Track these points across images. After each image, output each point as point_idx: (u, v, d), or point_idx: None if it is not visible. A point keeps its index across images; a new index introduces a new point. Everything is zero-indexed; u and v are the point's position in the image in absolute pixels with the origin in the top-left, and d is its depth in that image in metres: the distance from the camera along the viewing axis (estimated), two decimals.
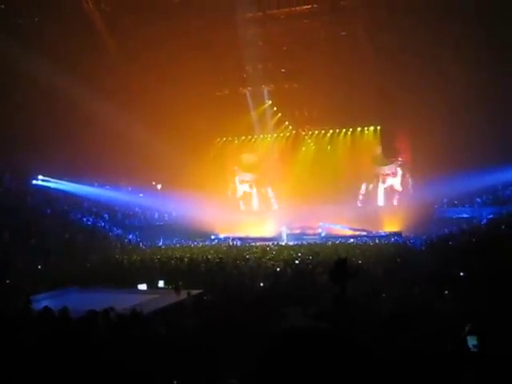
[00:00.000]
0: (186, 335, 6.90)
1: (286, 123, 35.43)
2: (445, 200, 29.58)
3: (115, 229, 29.13)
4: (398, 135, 32.15)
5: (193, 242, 28.92)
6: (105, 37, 28.04)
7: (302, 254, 20.64)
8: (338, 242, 26.90)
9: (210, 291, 12.22)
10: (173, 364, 5.42)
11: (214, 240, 31.50)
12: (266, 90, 33.65)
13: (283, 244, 26.88)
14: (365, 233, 30.33)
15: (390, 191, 33.86)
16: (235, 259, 19.24)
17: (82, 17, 26.38)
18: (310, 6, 27.74)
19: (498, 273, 10.95)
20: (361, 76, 28.37)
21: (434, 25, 24.17)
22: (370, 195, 34.15)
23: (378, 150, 33.66)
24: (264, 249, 23.52)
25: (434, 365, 3.84)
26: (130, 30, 27.94)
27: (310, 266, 16.64)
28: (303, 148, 35.56)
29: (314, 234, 31.49)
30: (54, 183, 29.11)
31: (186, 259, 19.53)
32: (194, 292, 11.95)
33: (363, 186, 34.28)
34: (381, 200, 33.97)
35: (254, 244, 27.01)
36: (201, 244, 28.58)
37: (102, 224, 29.04)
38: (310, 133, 35.47)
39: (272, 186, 36.51)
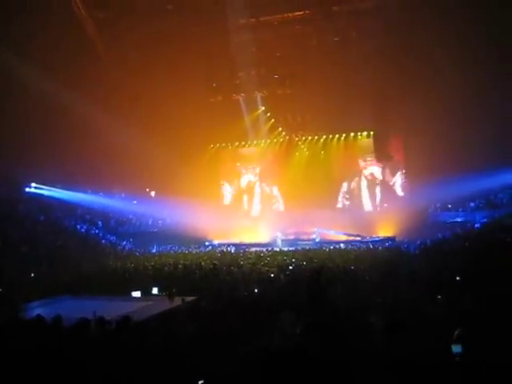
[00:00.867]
0: (180, 342, 6.87)
1: (280, 129, 35.46)
2: (438, 204, 29.67)
3: (109, 236, 29.03)
4: (391, 140, 32.25)
5: (187, 249, 28.81)
6: (96, 43, 28.06)
7: (296, 259, 20.61)
8: (332, 247, 26.89)
9: (204, 298, 12.16)
10: (166, 371, 5.39)
11: (208, 246, 31.42)
12: (259, 96, 33.71)
13: (277, 250, 26.85)
14: (359, 238, 30.36)
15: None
16: (229, 265, 19.19)
17: (73, 23, 26.38)
18: (302, 12, 27.92)
19: (491, 277, 10.97)
20: (354, 81, 28.46)
21: (427, 28, 24.30)
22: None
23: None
24: (258, 255, 23.49)
25: (420, 372, 3.83)
26: (122, 37, 27.92)
27: (304, 272, 16.62)
28: (297, 153, 35.58)
29: (309, 240, 31.46)
30: (46, 190, 29.01)
31: (180, 266, 19.45)
32: (188, 299, 11.90)
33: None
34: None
35: (248, 250, 26.96)
36: (195, 250, 28.48)
37: (96, 231, 28.94)
38: (304, 138, 35.49)
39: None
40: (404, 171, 32.75)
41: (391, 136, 31.79)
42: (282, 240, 31.03)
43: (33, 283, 16.78)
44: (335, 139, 34.61)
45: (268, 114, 34.61)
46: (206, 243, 32.20)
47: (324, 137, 34.89)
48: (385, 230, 30.57)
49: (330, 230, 32.03)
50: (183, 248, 29.06)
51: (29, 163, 25.62)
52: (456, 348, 4.57)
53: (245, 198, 37.17)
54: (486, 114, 24.83)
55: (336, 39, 28.91)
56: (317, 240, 31.21)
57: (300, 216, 32.20)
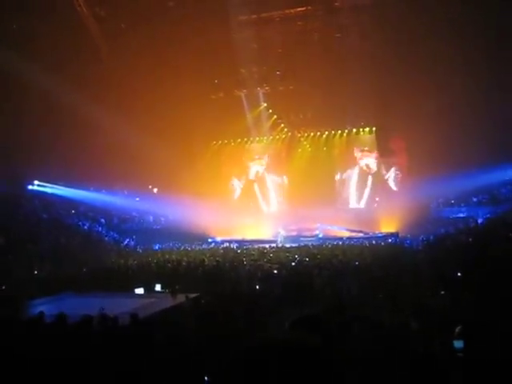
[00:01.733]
0: (183, 339, 6.87)
1: (282, 125, 35.44)
2: (441, 200, 29.63)
3: (111, 233, 29.09)
4: (393, 136, 32.16)
5: (190, 246, 28.85)
6: (99, 41, 28.03)
7: (299, 255, 20.60)
8: (335, 243, 26.86)
9: (208, 294, 12.18)
10: (170, 368, 5.40)
11: (210, 243, 31.42)
12: (261, 92, 33.69)
13: (280, 246, 26.85)
14: (362, 234, 30.34)
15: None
16: (232, 262, 19.20)
17: (75, 21, 26.35)
18: (304, 8, 27.80)
19: (494, 273, 10.96)
20: (356, 77, 28.33)
21: (430, 24, 24.18)
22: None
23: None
24: (261, 251, 23.48)
25: (421, 366, 3.82)
26: (124, 34, 27.96)
27: (307, 268, 16.63)
28: (299, 150, 35.57)
29: (311, 236, 31.43)
30: (50, 188, 29.08)
31: (183, 263, 19.47)
32: (192, 295, 11.92)
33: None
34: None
35: (250, 247, 26.96)
36: (198, 247, 28.51)
37: (99, 228, 29.00)
38: (306, 134, 35.50)
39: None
40: (397, 166, 32.89)
41: (393, 132, 31.67)
42: (285, 236, 31.02)
43: (36, 280, 16.82)
44: (337, 135, 34.60)
45: (270, 111, 34.59)
46: (209, 240, 32.21)
47: (326, 133, 34.88)
48: (388, 225, 30.53)
49: (333, 225, 32.02)
50: (186, 245, 29.08)
51: (32, 161, 25.69)
52: (458, 343, 4.56)
53: (256, 188, 37.18)
54: (489, 109, 24.78)
55: (338, 35, 28.82)
56: (320, 236, 31.18)
57: (302, 212, 32.18)
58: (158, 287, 14.76)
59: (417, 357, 3.94)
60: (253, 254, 22.13)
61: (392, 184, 33.38)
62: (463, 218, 26.78)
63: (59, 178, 28.95)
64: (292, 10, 27.97)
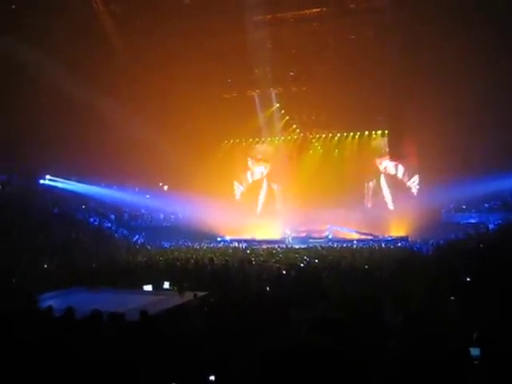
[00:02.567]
0: (191, 337, 6.87)
1: (294, 126, 35.44)
2: (452, 205, 29.46)
3: (121, 229, 29.18)
4: (405, 139, 31.99)
5: (199, 244, 28.89)
6: (113, 37, 28.10)
7: (308, 256, 20.55)
8: (344, 245, 26.79)
9: (216, 293, 12.16)
10: (177, 366, 5.40)
11: (220, 242, 31.48)
12: (274, 92, 33.69)
13: (289, 247, 26.83)
14: (371, 237, 30.25)
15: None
16: (241, 261, 19.19)
17: (90, 17, 26.43)
18: (319, 9, 27.68)
19: (506, 279, 10.86)
20: (369, 80, 28.30)
21: (445, 27, 23.99)
22: (376, 192, 34.24)
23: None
24: (270, 252, 23.46)
25: (437, 374, 3.79)
26: (138, 31, 28.01)
27: (317, 269, 16.58)
28: (310, 151, 35.53)
29: (321, 238, 31.38)
30: (61, 183, 29.24)
31: (191, 261, 19.48)
32: (200, 294, 11.91)
33: (366, 185, 34.52)
34: (386, 192, 33.97)
35: (259, 247, 26.95)
36: (207, 246, 28.55)
37: (109, 224, 29.12)
38: (318, 136, 35.48)
39: (281, 185, 36.36)
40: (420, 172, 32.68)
41: (406, 135, 31.51)
42: (292, 237, 30.98)
43: (46, 275, 16.89)
44: (349, 137, 34.51)
45: (282, 111, 34.60)
46: (218, 239, 32.25)
47: (338, 135, 34.82)
48: (398, 229, 30.43)
49: (343, 227, 31.95)
50: (195, 243, 29.12)
51: (44, 156, 25.81)
52: (474, 351, 4.50)
53: (264, 188, 37.19)
54: (501, 115, 24.56)
55: (352, 37, 28.67)
56: (330, 237, 31.10)
57: (312, 214, 32.16)
58: (166, 285, 14.75)
59: (432, 363, 3.90)
60: (261, 255, 22.11)
61: (414, 190, 33.23)
62: (474, 223, 26.60)
63: (71, 173, 29.10)
64: (307, 11, 27.86)
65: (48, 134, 25.57)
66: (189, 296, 11.75)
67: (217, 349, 5.80)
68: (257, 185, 37.44)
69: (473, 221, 27.38)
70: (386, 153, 33.99)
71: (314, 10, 27.81)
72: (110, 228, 28.90)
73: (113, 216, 30.43)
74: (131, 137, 27.08)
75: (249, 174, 37.68)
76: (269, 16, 27.89)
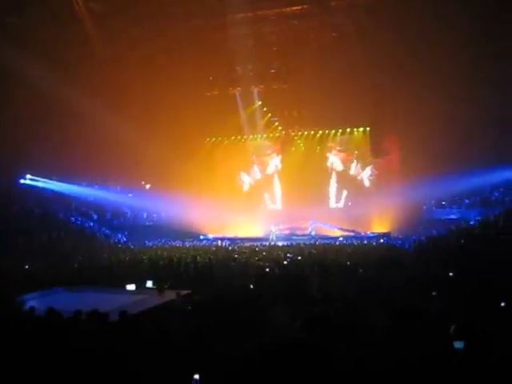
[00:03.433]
0: (174, 336, 6.85)
1: (276, 124, 35.40)
2: (433, 201, 29.73)
3: (104, 229, 28.99)
4: (387, 136, 32.17)
5: (182, 243, 28.83)
6: (93, 35, 27.85)
7: (291, 253, 20.62)
8: (327, 242, 26.89)
9: (199, 291, 12.15)
10: (160, 365, 5.38)
11: (202, 240, 31.42)
12: (255, 90, 33.62)
13: (272, 244, 26.88)
14: (354, 233, 30.39)
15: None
16: (224, 259, 19.20)
17: (69, 15, 26.18)
18: (300, 7, 27.73)
19: (485, 274, 11.01)
20: (351, 77, 28.41)
21: (426, 25, 24.17)
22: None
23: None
24: (253, 249, 23.50)
25: (421, 368, 3.82)
26: (119, 29, 27.78)
27: (300, 267, 16.64)
28: (293, 148, 35.55)
29: (304, 235, 31.46)
30: (42, 182, 28.95)
31: (174, 259, 19.43)
32: (183, 292, 11.89)
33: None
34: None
35: (242, 244, 26.97)
36: (190, 244, 28.49)
37: (91, 224, 28.90)
38: (300, 133, 35.49)
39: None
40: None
41: (387, 132, 31.69)
42: (277, 234, 31.02)
43: (27, 275, 16.72)
44: (331, 134, 34.63)
45: (264, 109, 34.54)
46: (201, 237, 32.18)
47: (320, 132, 34.90)
48: (380, 226, 30.61)
49: (326, 223, 32.04)
50: (178, 242, 29.05)
51: (24, 155, 25.54)
52: (458, 344, 4.51)
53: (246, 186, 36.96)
54: (481, 112, 24.81)
55: (334, 34, 28.81)
56: (312, 233, 31.17)
57: (295, 211, 32.22)
58: (149, 284, 14.70)
59: (418, 358, 3.93)
60: (245, 252, 22.15)
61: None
62: (455, 219, 26.89)
63: (52, 172, 28.82)
64: (288, 9, 27.90)
65: (28, 132, 25.32)
66: (172, 295, 11.72)
67: (201, 347, 5.79)
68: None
69: (454, 217, 27.68)
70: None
71: (296, 8, 27.86)
72: (92, 227, 28.69)
73: (95, 215, 30.20)
74: (112, 135, 26.87)
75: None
76: (250, 13, 27.86)
